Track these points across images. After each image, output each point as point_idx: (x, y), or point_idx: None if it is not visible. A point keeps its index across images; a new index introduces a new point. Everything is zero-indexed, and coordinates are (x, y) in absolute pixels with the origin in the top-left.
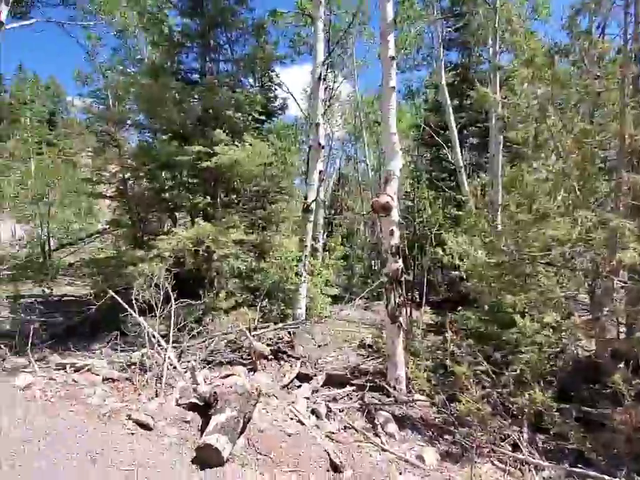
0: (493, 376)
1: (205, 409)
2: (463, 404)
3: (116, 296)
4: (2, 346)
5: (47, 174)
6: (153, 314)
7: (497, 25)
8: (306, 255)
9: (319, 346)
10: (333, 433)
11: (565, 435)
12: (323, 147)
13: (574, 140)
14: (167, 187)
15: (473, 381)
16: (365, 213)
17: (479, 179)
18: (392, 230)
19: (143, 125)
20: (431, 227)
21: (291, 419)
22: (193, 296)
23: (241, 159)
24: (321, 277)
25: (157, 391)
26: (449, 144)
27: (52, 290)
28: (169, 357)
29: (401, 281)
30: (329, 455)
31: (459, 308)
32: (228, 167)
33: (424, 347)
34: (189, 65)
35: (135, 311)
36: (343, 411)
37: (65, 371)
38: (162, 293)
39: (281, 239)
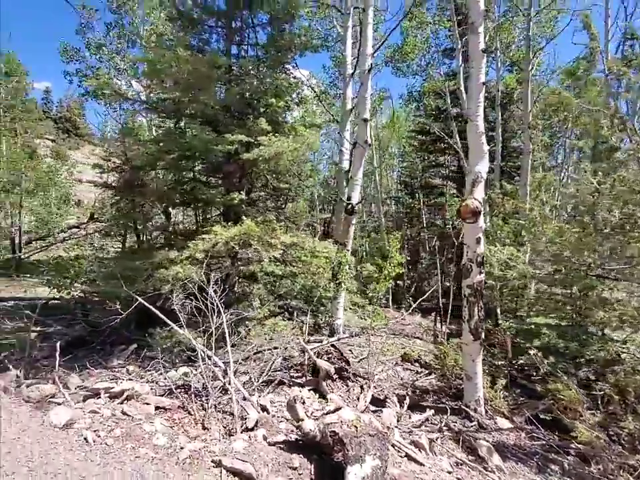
0: (585, 398)
1: (308, 450)
2: (580, 431)
3: (149, 305)
4: (10, 366)
5: (19, 160)
6: (182, 323)
7: (530, 33)
8: (346, 261)
9: (359, 360)
10: (450, 472)
11: None
12: (370, 145)
13: None
14: (188, 180)
15: (586, 405)
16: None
17: (501, 188)
18: (479, 237)
19: (168, 108)
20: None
21: (401, 456)
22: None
23: (288, 152)
24: (382, 284)
25: (225, 424)
26: (448, 150)
27: (71, 293)
28: (234, 382)
29: (483, 293)
30: None
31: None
32: (267, 159)
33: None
34: (212, 47)
35: (178, 323)
36: (437, 440)
37: (99, 398)
38: (205, 301)
39: (314, 241)
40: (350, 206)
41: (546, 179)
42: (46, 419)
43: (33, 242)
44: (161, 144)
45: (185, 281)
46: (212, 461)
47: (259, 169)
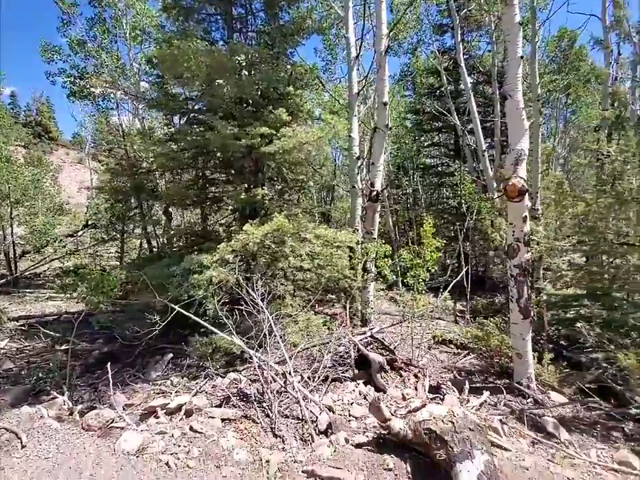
0: None
1: (399, 450)
2: None
3: (187, 313)
4: (54, 392)
5: (2, 169)
6: (231, 330)
7: (535, 3)
8: (384, 250)
9: (394, 347)
10: (531, 452)
11: None
12: (390, 129)
13: None
14: (202, 178)
15: None
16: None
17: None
18: (525, 216)
19: (177, 105)
20: (468, 213)
21: None
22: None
23: (313, 141)
24: (421, 271)
25: (296, 429)
26: (443, 129)
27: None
28: (296, 385)
29: (530, 272)
30: None
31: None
32: (287, 151)
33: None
34: (213, 36)
35: (226, 330)
36: (504, 423)
37: (157, 416)
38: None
39: (336, 232)
40: (374, 193)
41: (554, 150)
42: (117, 447)
43: (27, 254)
44: (179, 143)
45: (219, 285)
46: (303, 472)
47: (276, 162)
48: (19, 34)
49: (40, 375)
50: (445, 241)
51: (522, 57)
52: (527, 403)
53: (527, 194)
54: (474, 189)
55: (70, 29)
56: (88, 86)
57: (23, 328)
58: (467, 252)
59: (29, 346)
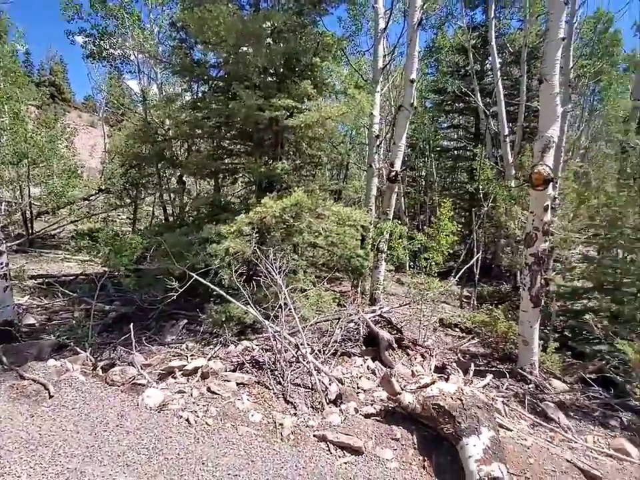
0: None
1: (407, 422)
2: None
3: (203, 280)
4: (77, 348)
5: (20, 129)
6: (248, 300)
7: None
8: (386, 230)
9: (400, 327)
10: (531, 434)
11: None
12: (415, 108)
13: None
14: (221, 149)
15: None
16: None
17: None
18: (547, 205)
19: (201, 72)
20: (484, 200)
21: None
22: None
23: (336, 116)
24: (436, 254)
25: (307, 397)
26: (464, 110)
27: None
28: (309, 356)
29: (546, 261)
30: (579, 468)
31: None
32: (309, 125)
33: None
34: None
35: (243, 300)
36: (506, 404)
37: (174, 377)
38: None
39: (351, 210)
40: (393, 173)
41: (578, 139)
42: (140, 402)
43: (43, 215)
44: (203, 111)
45: (235, 255)
46: (315, 436)
47: (297, 136)
48: None
49: (62, 330)
50: (458, 227)
51: (563, 39)
52: (529, 387)
53: (551, 183)
54: (493, 175)
55: None
56: (107, 47)
57: (42, 286)
58: (478, 239)
59: (48, 303)
